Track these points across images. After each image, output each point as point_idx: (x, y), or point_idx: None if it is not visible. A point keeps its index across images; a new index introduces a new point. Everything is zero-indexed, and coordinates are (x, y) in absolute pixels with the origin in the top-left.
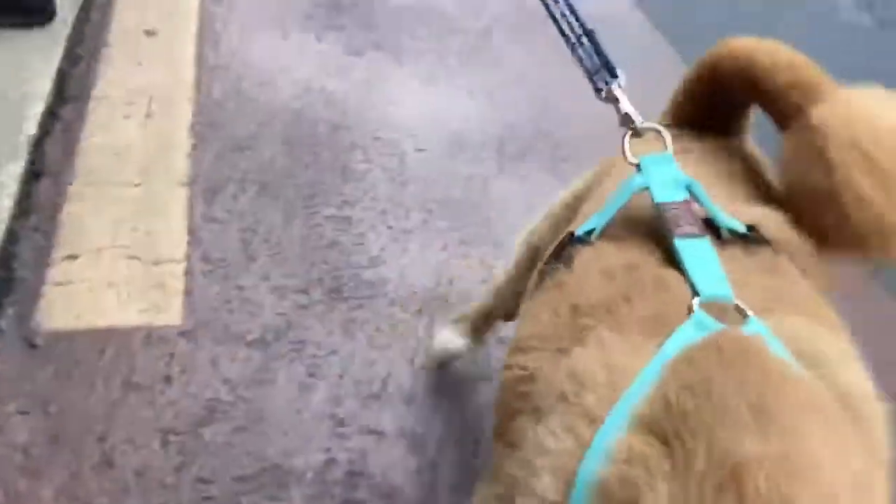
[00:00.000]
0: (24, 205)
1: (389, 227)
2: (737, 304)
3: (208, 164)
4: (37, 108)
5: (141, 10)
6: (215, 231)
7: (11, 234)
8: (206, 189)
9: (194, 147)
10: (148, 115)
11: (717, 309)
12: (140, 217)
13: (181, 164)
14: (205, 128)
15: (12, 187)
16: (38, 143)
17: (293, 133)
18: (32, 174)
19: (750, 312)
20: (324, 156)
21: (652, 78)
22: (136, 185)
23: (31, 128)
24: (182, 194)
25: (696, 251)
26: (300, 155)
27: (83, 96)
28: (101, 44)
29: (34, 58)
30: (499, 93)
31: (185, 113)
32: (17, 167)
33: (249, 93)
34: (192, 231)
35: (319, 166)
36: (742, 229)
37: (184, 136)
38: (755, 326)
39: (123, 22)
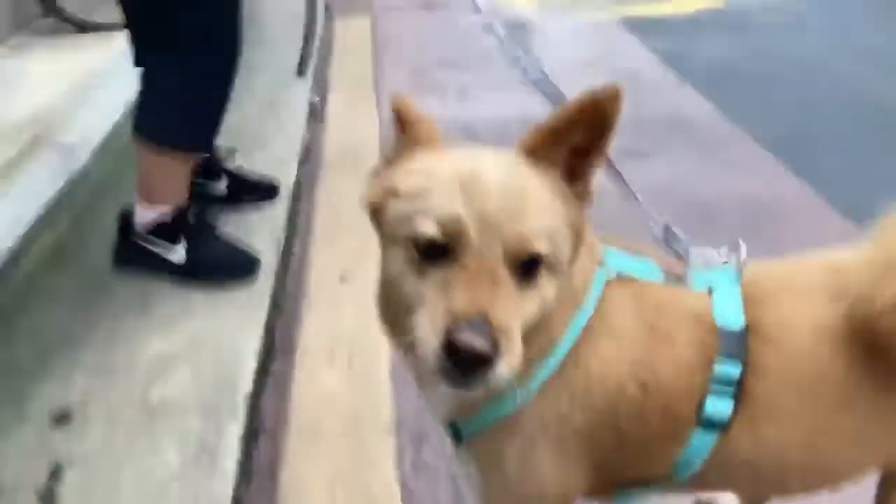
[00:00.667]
0: (246, 466)
1: None
2: None
3: (412, 408)
4: (250, 365)
5: (334, 255)
6: (426, 478)
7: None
8: (412, 436)
9: (396, 392)
10: (349, 364)
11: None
12: (353, 471)
13: (386, 410)
14: (405, 372)
15: (235, 448)
16: (254, 401)
17: None
18: (251, 433)
19: None
20: None
21: None
22: (346, 436)
23: (247, 385)
24: (390, 442)
25: None
26: None
27: (290, 348)
28: (301, 293)
29: (242, 313)
30: None
31: (384, 358)
32: (238, 426)
33: None
34: (402, 483)
35: None
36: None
37: (385, 381)
38: None
39: (319, 269)
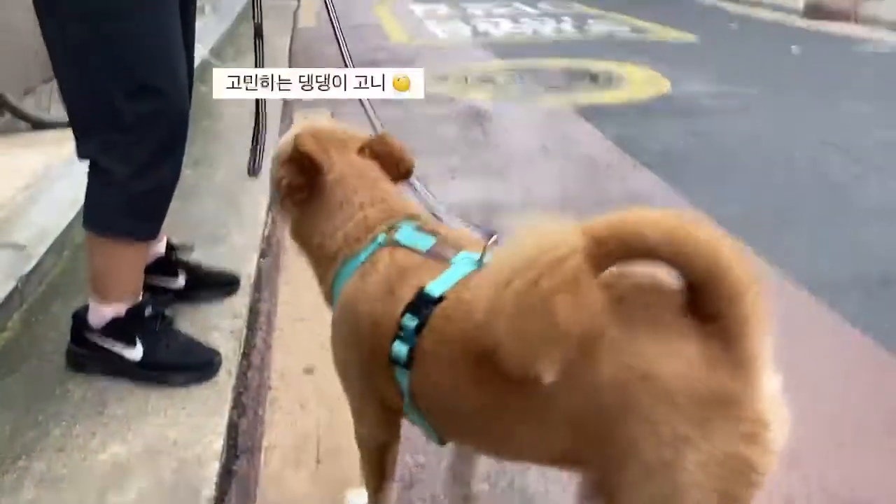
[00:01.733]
0: None
1: None
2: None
3: None
4: (213, 468)
5: (298, 348)
6: None
7: None
8: None
9: None
10: (317, 463)
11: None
12: None
13: None
14: None
15: None
16: None
17: None
18: None
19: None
20: None
21: None
22: None
23: (210, 490)
24: None
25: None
26: None
27: (254, 447)
28: (265, 389)
29: (203, 412)
30: None
31: (353, 456)
32: None
33: None
34: None
35: None
36: None
37: (355, 480)
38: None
39: (283, 362)
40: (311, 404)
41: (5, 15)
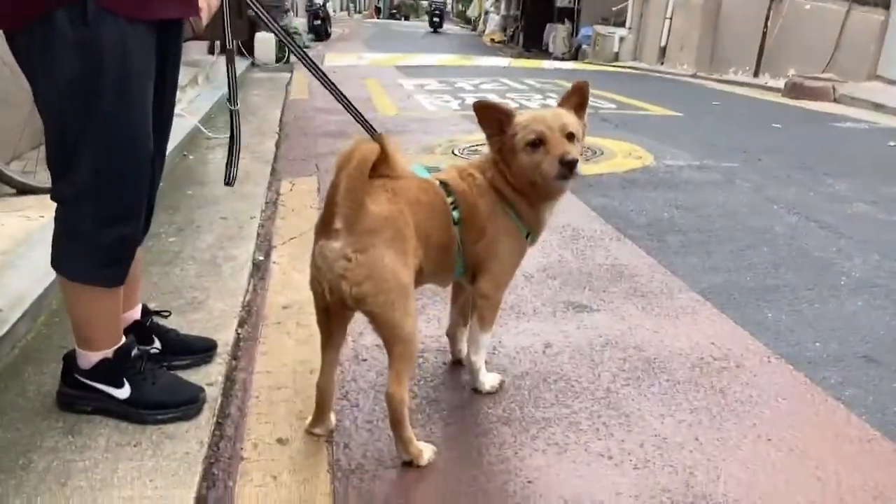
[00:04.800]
0: None
1: None
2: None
3: None
4: None
5: (274, 416)
6: None
7: None
8: None
9: None
10: None
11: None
12: None
13: None
14: None
15: None
16: None
17: None
18: None
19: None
20: None
21: None
22: None
23: None
24: None
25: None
26: None
27: None
28: (237, 459)
29: (171, 484)
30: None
31: None
32: None
33: None
34: None
35: None
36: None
37: None
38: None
39: (257, 433)
40: (283, 476)
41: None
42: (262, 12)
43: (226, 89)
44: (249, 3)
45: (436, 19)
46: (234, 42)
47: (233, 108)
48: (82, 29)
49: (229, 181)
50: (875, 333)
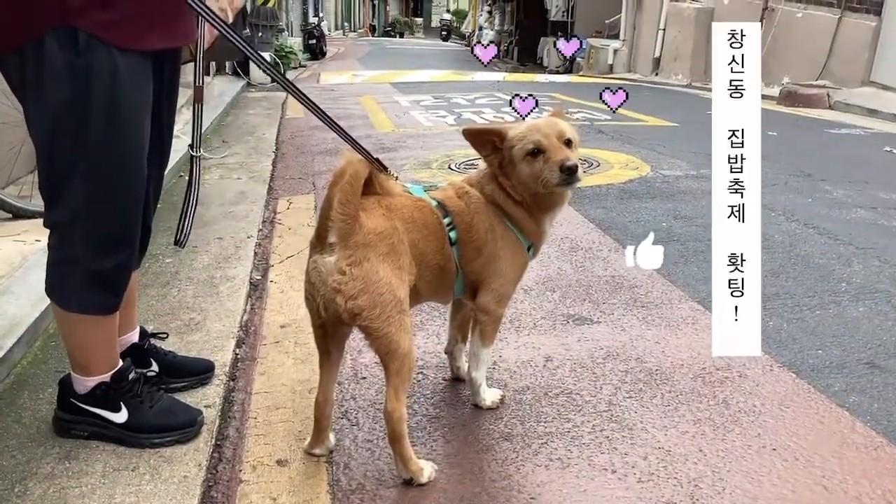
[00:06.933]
0: None
1: None
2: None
3: None
4: None
5: (273, 437)
6: None
7: None
8: None
9: None
10: None
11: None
12: None
13: None
14: None
15: None
16: None
17: None
18: None
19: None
20: None
21: None
22: None
23: None
24: None
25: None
26: None
27: None
28: (235, 481)
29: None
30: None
31: None
32: None
33: None
34: None
35: None
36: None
37: None
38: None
39: (255, 454)
40: (283, 498)
41: None
42: (242, 43)
43: (221, 109)
44: (228, 36)
45: (444, 33)
46: (203, 80)
47: (195, 153)
48: (72, 56)
49: (180, 240)
50: (877, 339)
